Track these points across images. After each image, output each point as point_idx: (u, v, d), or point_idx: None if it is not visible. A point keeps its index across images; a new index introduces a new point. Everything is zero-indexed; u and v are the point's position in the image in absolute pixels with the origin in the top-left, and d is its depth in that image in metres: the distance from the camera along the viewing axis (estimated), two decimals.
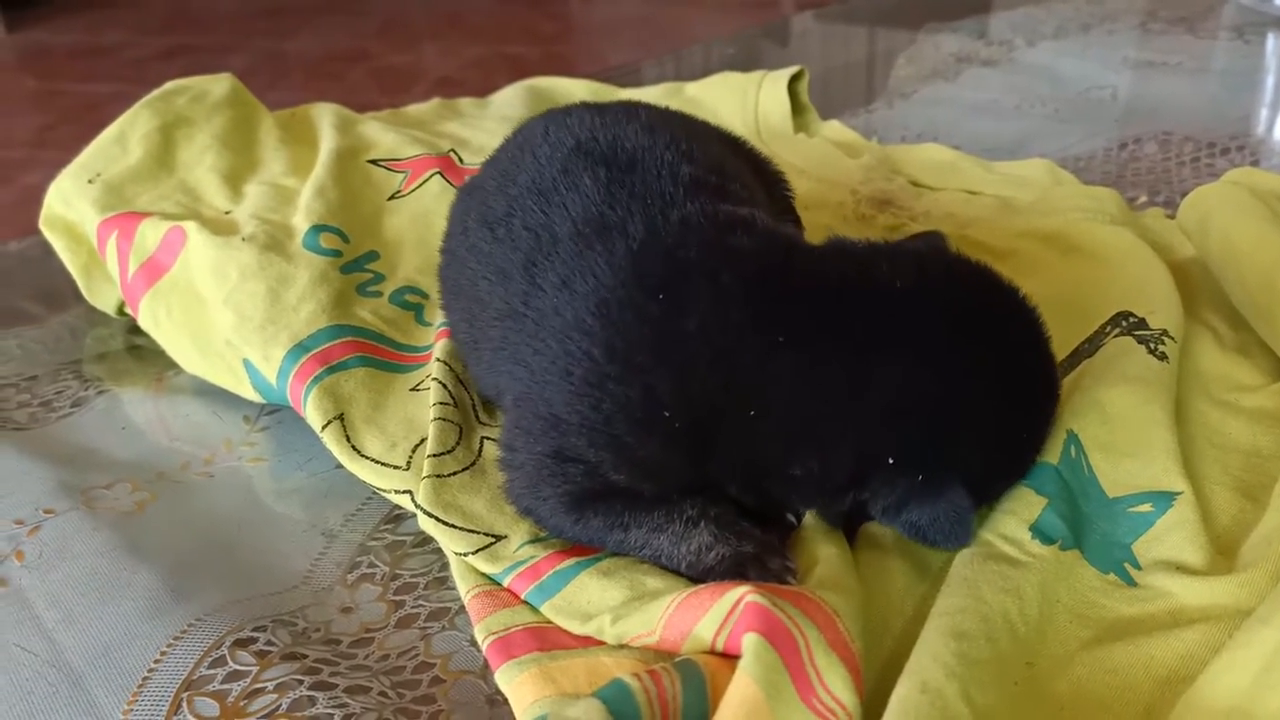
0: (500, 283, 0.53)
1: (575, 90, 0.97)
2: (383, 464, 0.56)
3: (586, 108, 0.60)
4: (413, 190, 0.75)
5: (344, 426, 0.58)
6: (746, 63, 1.07)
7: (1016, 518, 0.49)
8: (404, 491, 0.55)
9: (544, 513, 0.50)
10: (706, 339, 0.45)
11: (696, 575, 0.49)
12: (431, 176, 0.76)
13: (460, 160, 0.77)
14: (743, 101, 0.92)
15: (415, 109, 0.96)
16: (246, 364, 0.62)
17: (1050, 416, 0.48)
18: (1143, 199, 0.85)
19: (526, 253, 0.51)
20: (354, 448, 0.57)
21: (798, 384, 0.44)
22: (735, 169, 0.57)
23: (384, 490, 0.56)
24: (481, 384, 0.59)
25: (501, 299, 0.52)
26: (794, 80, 0.93)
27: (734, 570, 0.47)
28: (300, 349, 0.60)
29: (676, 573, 0.49)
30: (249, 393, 0.63)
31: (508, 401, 0.53)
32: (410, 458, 0.56)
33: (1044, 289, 0.65)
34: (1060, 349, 0.61)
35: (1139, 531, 0.49)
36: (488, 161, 0.61)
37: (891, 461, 0.44)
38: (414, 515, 0.55)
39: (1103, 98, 1.04)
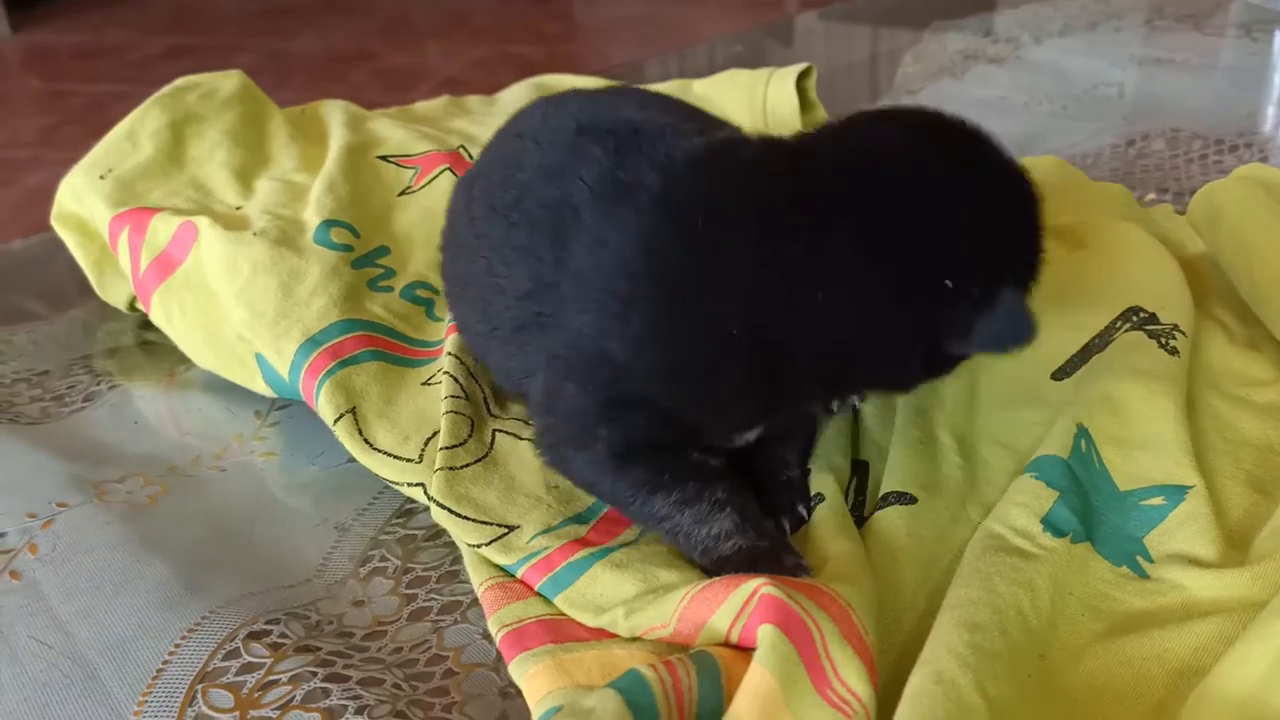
0: (521, 263, 0.53)
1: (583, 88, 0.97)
2: (395, 457, 0.56)
3: (579, 94, 0.61)
4: (423, 186, 0.75)
5: (356, 420, 0.58)
6: (752, 60, 1.07)
7: (1027, 510, 0.49)
8: (416, 484, 0.55)
9: (580, 463, 0.51)
10: (754, 245, 0.46)
11: (710, 564, 0.49)
12: (441, 172, 0.76)
13: (469, 156, 0.78)
14: (750, 98, 0.92)
15: (424, 106, 0.96)
16: (259, 358, 0.62)
17: (1037, 200, 0.49)
18: (1151, 196, 0.85)
19: (549, 228, 0.52)
20: (366, 441, 0.57)
21: (848, 257, 0.45)
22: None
23: (396, 483, 0.56)
24: (500, 372, 0.58)
25: (525, 278, 0.53)
26: (802, 77, 0.93)
27: (748, 563, 0.48)
28: (312, 343, 0.61)
29: (690, 560, 0.49)
30: (261, 387, 0.63)
31: (542, 364, 0.54)
32: (423, 451, 0.56)
33: (1054, 285, 0.65)
34: (1071, 344, 0.61)
35: (1151, 524, 0.49)
36: (485, 153, 0.62)
37: (949, 284, 0.45)
38: (426, 509, 0.55)
39: (1110, 95, 1.04)
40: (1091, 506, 0.50)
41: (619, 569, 0.49)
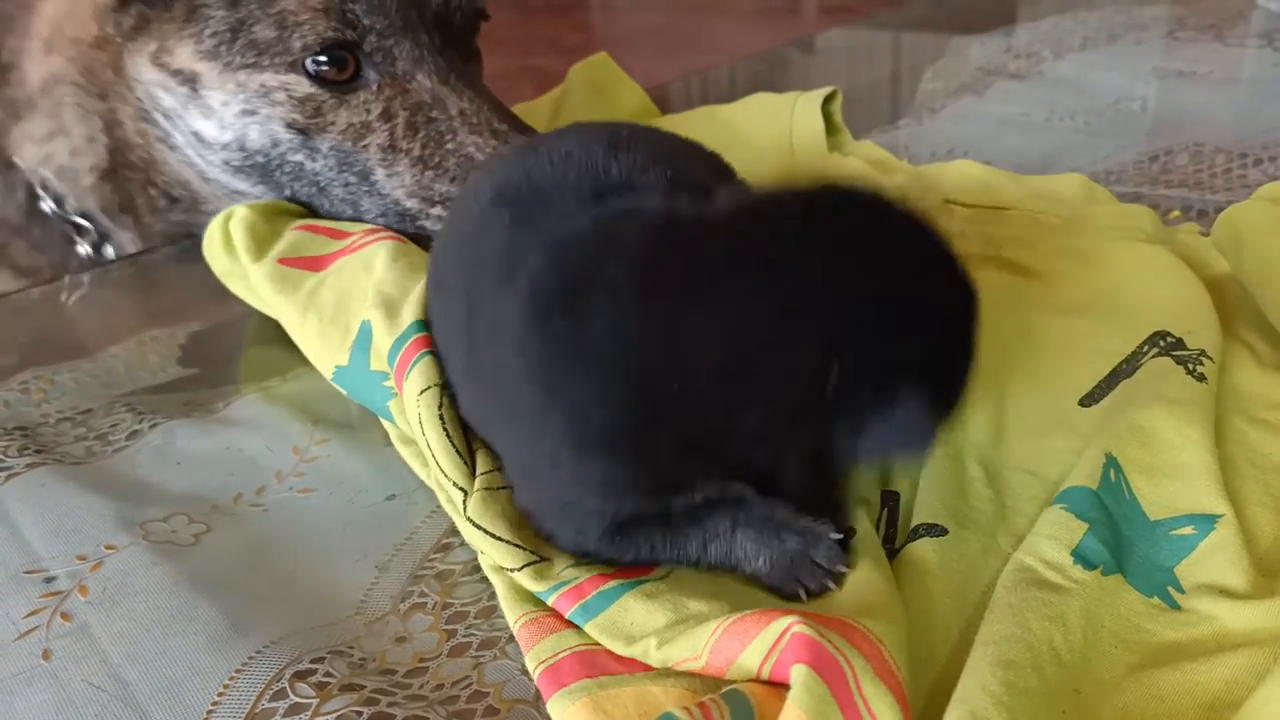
0: (453, 342, 0.55)
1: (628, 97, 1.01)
2: (458, 451, 0.56)
3: (519, 148, 0.61)
4: None
5: (442, 395, 0.58)
6: (773, 79, 1.08)
7: (1057, 542, 0.50)
8: (461, 488, 0.55)
9: (592, 552, 0.52)
10: (612, 333, 0.44)
11: (753, 578, 0.50)
12: None
13: None
14: (776, 123, 0.93)
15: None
16: (364, 325, 0.64)
17: (968, 302, 0.45)
18: (1175, 213, 0.85)
19: (462, 315, 0.53)
20: (443, 418, 0.57)
21: (713, 342, 0.43)
22: (666, 172, 0.53)
23: (446, 478, 0.56)
24: (477, 431, 0.58)
25: (458, 358, 0.54)
26: (827, 101, 0.94)
27: (787, 574, 0.49)
28: (423, 323, 0.62)
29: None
30: (340, 356, 0.65)
31: (504, 459, 0.55)
32: (473, 465, 0.57)
33: (1080, 309, 0.66)
34: (1097, 370, 0.61)
35: (1181, 555, 0.49)
36: (449, 212, 0.64)
37: (834, 385, 0.42)
38: (463, 544, 0.56)
39: (1132, 109, 1.04)
40: (1122, 537, 0.50)
41: (650, 599, 0.50)
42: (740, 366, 0.43)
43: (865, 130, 1.00)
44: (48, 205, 0.86)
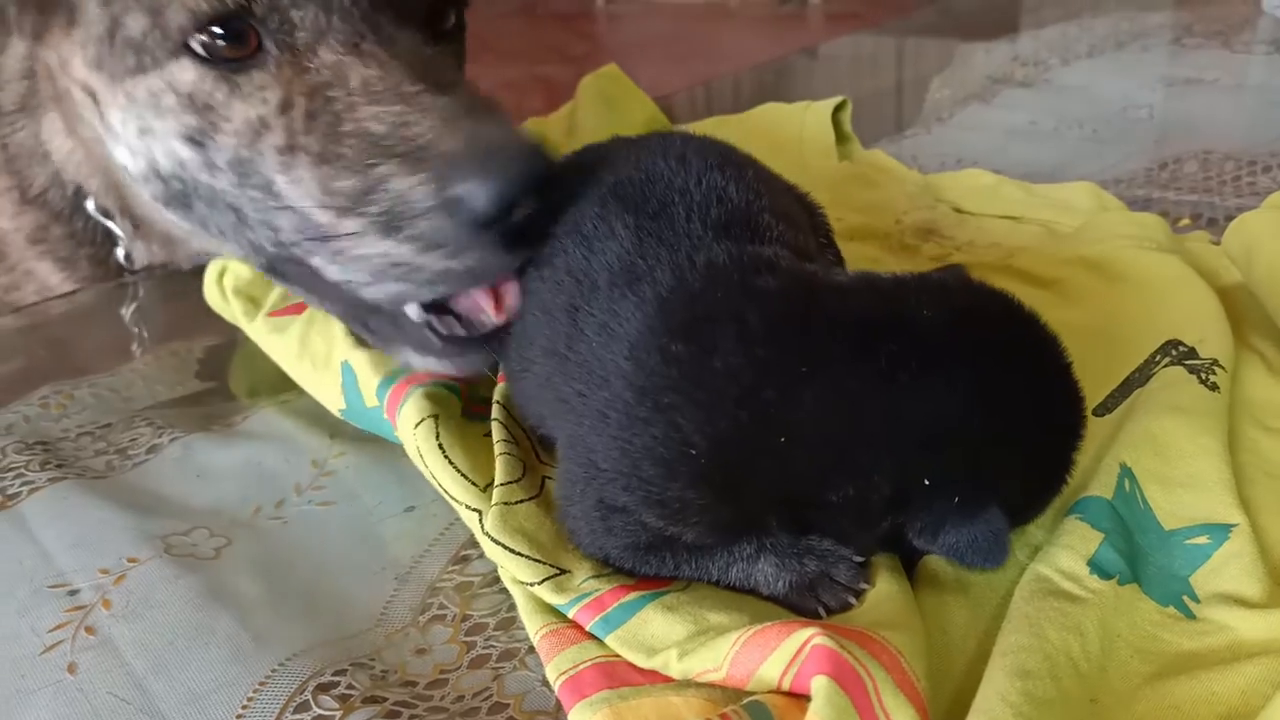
0: (545, 322, 0.55)
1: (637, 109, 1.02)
2: (465, 475, 0.57)
3: (622, 143, 0.62)
4: None
5: (437, 425, 0.59)
6: (780, 87, 1.09)
7: (1073, 552, 0.50)
8: (475, 509, 0.56)
9: (615, 560, 0.52)
10: (731, 375, 0.47)
11: (773, 599, 0.51)
12: None
13: None
14: (786, 132, 0.94)
15: None
16: (344, 366, 0.65)
17: (1078, 435, 0.49)
18: (1185, 220, 0.85)
19: (569, 296, 0.53)
20: (441, 446, 0.58)
21: (825, 414, 0.46)
22: (772, 203, 0.57)
23: (458, 502, 0.57)
24: (524, 410, 0.60)
25: (546, 338, 0.54)
26: (837, 110, 0.95)
27: (805, 594, 0.50)
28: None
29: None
30: (339, 400, 0.66)
31: (560, 444, 0.55)
32: (486, 485, 0.58)
33: (1092, 318, 0.67)
34: (1110, 378, 0.62)
35: (1196, 564, 0.50)
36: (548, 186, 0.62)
37: (927, 484, 0.45)
38: (481, 555, 0.56)
39: (1140, 117, 1.05)
40: (1137, 547, 0.51)
41: (670, 611, 0.50)
42: (841, 444, 0.45)
43: (874, 139, 1.00)
44: (91, 203, 0.83)
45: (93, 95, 0.67)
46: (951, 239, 0.81)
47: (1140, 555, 0.51)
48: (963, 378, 0.46)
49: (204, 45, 0.60)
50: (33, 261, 0.87)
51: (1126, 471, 0.53)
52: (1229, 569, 0.49)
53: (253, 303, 0.76)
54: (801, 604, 0.50)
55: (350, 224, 0.58)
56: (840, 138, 0.95)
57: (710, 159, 0.57)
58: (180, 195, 0.66)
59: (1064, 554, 0.50)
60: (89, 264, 0.87)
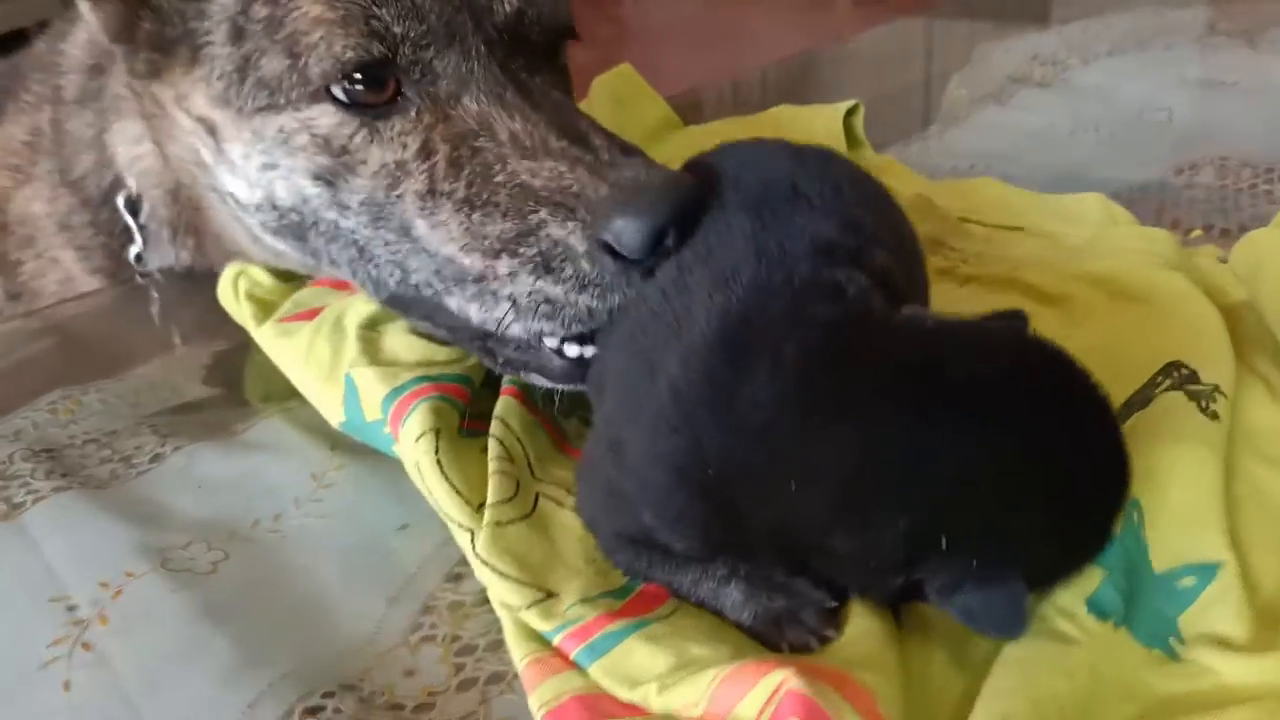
0: (636, 303, 0.56)
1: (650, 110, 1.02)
2: (459, 493, 0.58)
3: (779, 148, 0.61)
4: None
5: (437, 440, 0.60)
6: (802, 83, 1.08)
7: (1074, 590, 0.49)
8: (467, 529, 0.56)
9: (600, 537, 0.54)
10: (757, 406, 0.46)
11: (739, 626, 0.51)
12: None
13: None
14: (797, 136, 0.93)
15: None
16: (347, 379, 0.66)
17: (1116, 511, 0.46)
18: (1197, 231, 0.84)
19: (667, 279, 0.54)
20: (440, 463, 0.59)
21: (838, 462, 0.44)
22: (883, 233, 0.55)
23: (451, 520, 0.57)
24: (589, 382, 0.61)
25: (640, 312, 0.55)
26: (849, 114, 0.94)
27: (770, 627, 0.50)
28: (424, 378, 0.64)
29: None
30: (339, 412, 0.66)
31: (602, 410, 0.57)
32: (480, 503, 0.58)
33: (1096, 337, 0.66)
34: (1112, 400, 0.61)
35: (1184, 605, 0.49)
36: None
37: (945, 546, 0.43)
38: (472, 574, 0.57)
39: (1159, 120, 1.03)
40: (1133, 584, 0.50)
41: (653, 643, 0.50)
42: (852, 495, 0.44)
43: (891, 139, 0.99)
44: (121, 200, 0.84)
45: (211, 128, 0.70)
46: (959, 251, 0.80)
47: (1134, 594, 0.50)
48: (993, 439, 0.43)
49: (345, 90, 0.63)
50: (59, 250, 0.89)
51: (1135, 504, 0.52)
52: (1214, 609, 0.48)
53: (263, 308, 0.76)
54: (766, 636, 0.50)
55: (503, 265, 0.60)
56: (852, 142, 0.94)
57: (840, 177, 0.57)
58: (295, 227, 0.69)
59: (1063, 591, 0.49)
60: (103, 254, 0.88)
